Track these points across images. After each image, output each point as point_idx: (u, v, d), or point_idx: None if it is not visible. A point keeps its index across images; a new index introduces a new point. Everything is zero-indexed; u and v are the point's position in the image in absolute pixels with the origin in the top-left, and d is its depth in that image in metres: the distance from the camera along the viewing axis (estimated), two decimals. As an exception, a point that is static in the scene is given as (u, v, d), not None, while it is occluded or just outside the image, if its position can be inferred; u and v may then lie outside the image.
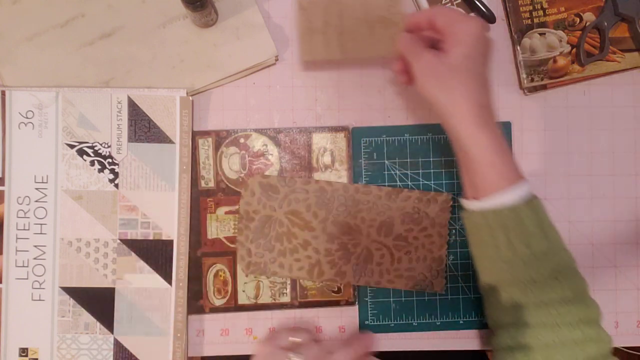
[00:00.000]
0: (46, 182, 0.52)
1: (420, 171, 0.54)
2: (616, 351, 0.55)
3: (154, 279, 0.52)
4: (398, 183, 0.54)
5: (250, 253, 0.52)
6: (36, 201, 0.52)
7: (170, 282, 0.52)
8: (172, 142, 0.52)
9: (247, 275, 0.53)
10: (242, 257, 0.52)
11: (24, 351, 0.52)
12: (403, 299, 0.54)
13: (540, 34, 0.54)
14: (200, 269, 0.53)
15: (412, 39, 0.46)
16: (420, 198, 0.52)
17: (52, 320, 0.52)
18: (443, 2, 0.53)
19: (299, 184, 0.52)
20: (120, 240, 0.52)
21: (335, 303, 0.53)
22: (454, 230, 0.54)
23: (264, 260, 0.52)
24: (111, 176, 0.52)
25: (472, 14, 0.52)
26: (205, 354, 0.54)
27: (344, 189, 0.52)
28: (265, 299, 0.53)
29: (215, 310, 0.53)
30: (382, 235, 0.52)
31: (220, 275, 0.53)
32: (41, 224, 0.52)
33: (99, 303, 0.52)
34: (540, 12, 0.54)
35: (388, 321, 0.54)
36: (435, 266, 0.52)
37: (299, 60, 0.54)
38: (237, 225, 0.52)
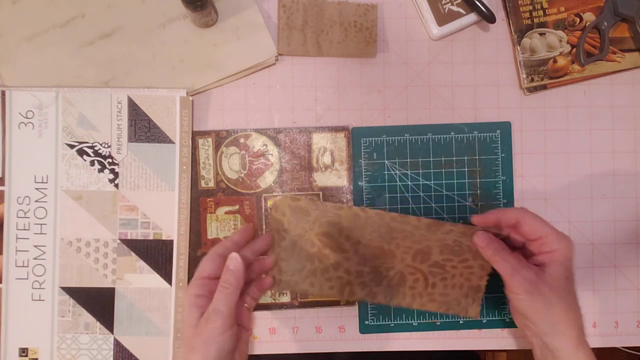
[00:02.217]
0: (46, 182, 0.52)
1: (420, 171, 0.54)
2: (616, 351, 0.55)
3: (154, 279, 0.52)
4: (398, 183, 0.54)
5: (281, 271, 0.49)
6: (36, 201, 0.52)
7: (170, 282, 0.52)
8: (172, 142, 0.52)
9: (277, 294, 0.53)
10: (272, 274, 0.50)
11: (24, 351, 0.52)
12: (403, 299, 0.54)
13: (540, 34, 0.54)
14: (200, 269, 0.53)
15: (498, 245, 0.46)
16: (464, 232, 0.48)
17: (52, 320, 0.52)
18: (443, 2, 0.53)
19: (330, 208, 0.48)
20: (120, 240, 0.52)
21: (336, 303, 0.53)
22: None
23: (295, 278, 0.49)
24: (111, 176, 0.52)
25: (556, 233, 0.47)
26: (205, 354, 0.54)
27: (379, 217, 0.48)
28: (265, 299, 0.53)
29: (215, 310, 0.53)
30: (418, 262, 0.49)
31: (220, 275, 0.53)
32: (41, 224, 0.52)
33: (99, 303, 0.52)
34: (540, 12, 0.54)
35: (388, 321, 0.54)
36: (471, 294, 0.50)
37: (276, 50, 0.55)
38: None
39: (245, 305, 0.49)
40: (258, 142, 0.54)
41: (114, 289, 0.52)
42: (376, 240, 0.49)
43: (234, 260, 0.44)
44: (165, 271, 0.52)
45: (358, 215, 0.48)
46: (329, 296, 0.50)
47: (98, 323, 0.52)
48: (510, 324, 0.54)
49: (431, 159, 0.54)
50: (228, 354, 0.43)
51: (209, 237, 0.53)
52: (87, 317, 0.52)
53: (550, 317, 0.44)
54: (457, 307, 0.50)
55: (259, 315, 0.54)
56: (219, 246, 0.47)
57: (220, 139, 0.53)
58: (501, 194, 0.54)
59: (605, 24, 0.53)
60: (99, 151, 0.52)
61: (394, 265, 0.49)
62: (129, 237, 0.52)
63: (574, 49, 0.54)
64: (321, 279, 0.49)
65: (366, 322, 0.54)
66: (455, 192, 0.54)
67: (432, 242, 0.48)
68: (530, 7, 0.54)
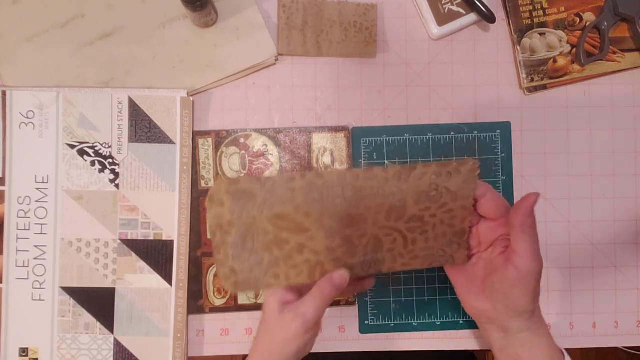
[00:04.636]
0: (47, 182, 0.52)
1: (420, 171, 0.54)
2: (616, 351, 0.55)
3: (154, 279, 0.52)
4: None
5: (235, 272, 0.43)
6: (37, 201, 0.52)
7: (170, 283, 0.52)
8: (173, 143, 0.52)
9: (236, 293, 0.48)
10: (226, 276, 0.43)
11: (24, 351, 0.52)
12: (403, 299, 0.54)
13: (540, 34, 0.54)
14: (200, 269, 0.53)
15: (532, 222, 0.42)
16: (439, 172, 0.42)
17: (52, 320, 0.52)
18: (443, 2, 0.53)
19: (279, 182, 0.41)
20: (121, 240, 0.52)
21: (335, 303, 0.53)
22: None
23: (254, 275, 0.43)
24: (112, 176, 0.52)
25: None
26: (205, 354, 0.54)
27: (339, 178, 0.42)
28: (262, 299, 0.53)
29: (215, 310, 0.53)
30: (392, 220, 0.43)
31: (221, 275, 0.53)
32: (41, 224, 0.52)
33: (99, 303, 0.52)
34: (540, 12, 0.54)
35: (388, 321, 0.54)
36: (455, 239, 0.45)
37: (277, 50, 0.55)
38: (212, 240, 0.43)
39: None
40: (258, 142, 0.54)
41: (114, 289, 0.52)
42: (342, 207, 0.42)
43: (341, 277, 0.42)
44: (165, 271, 0.52)
45: (314, 184, 0.41)
46: (297, 283, 0.44)
47: (98, 323, 0.52)
48: (510, 324, 0.54)
49: (431, 159, 0.54)
50: (302, 352, 0.43)
51: (209, 237, 0.53)
52: (87, 317, 0.52)
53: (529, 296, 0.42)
54: (442, 259, 0.45)
55: (259, 315, 0.54)
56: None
57: (220, 139, 0.53)
58: (501, 194, 0.54)
59: (605, 24, 0.53)
60: (99, 151, 0.52)
61: (366, 231, 0.43)
62: (129, 238, 0.52)
63: (574, 49, 0.54)
64: (285, 268, 0.43)
65: (366, 322, 0.54)
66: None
67: (405, 193, 0.43)
68: (530, 7, 0.54)
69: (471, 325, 0.54)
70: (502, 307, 0.43)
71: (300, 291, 0.44)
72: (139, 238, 0.52)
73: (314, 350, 0.54)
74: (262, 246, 0.43)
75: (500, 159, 0.54)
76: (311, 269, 0.43)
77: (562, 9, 0.54)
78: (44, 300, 0.52)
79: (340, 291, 0.43)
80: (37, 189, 0.52)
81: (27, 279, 0.52)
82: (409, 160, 0.54)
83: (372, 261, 0.44)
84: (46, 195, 0.52)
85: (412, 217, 0.44)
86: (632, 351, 0.56)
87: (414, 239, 0.44)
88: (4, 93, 0.52)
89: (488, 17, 0.52)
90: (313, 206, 0.42)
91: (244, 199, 0.42)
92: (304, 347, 0.43)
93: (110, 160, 0.52)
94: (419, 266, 0.45)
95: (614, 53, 0.54)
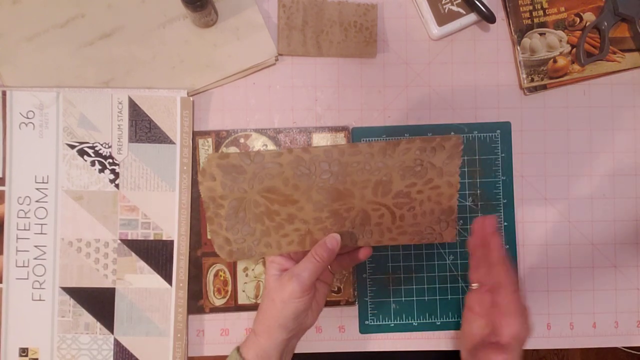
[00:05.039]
0: (47, 182, 0.52)
1: (420, 171, 0.54)
2: (616, 351, 0.56)
3: (154, 280, 0.52)
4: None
5: (229, 241, 0.45)
6: (37, 201, 0.52)
7: (170, 283, 0.52)
8: (173, 143, 0.52)
9: (230, 261, 0.49)
10: (220, 246, 0.46)
11: (24, 351, 0.52)
12: (403, 299, 0.54)
13: (540, 34, 0.54)
14: (200, 269, 0.53)
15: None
16: (423, 148, 0.43)
17: (52, 320, 0.52)
18: (443, 2, 0.53)
19: (268, 157, 0.43)
20: (121, 240, 0.52)
21: (336, 303, 0.53)
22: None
23: (247, 244, 0.45)
24: (112, 176, 0.52)
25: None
26: (205, 354, 0.54)
27: (326, 154, 0.43)
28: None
29: (215, 310, 0.53)
30: (379, 196, 0.45)
31: (220, 275, 0.53)
32: (42, 224, 0.52)
33: (99, 303, 0.52)
34: (540, 12, 0.54)
35: (388, 321, 0.54)
36: (444, 217, 0.46)
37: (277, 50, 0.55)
38: (206, 213, 0.45)
39: (329, 266, 0.48)
40: (258, 142, 0.54)
41: (114, 289, 0.52)
42: (329, 182, 0.44)
43: (334, 240, 0.44)
44: (165, 271, 0.52)
45: (301, 159, 0.43)
46: (288, 251, 0.46)
47: (98, 323, 0.52)
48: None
49: (431, 159, 0.54)
50: (302, 313, 0.44)
51: (209, 237, 0.53)
52: (87, 317, 0.52)
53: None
54: (430, 236, 0.46)
55: (259, 315, 0.54)
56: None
57: (220, 139, 0.53)
58: (501, 194, 0.54)
59: (605, 24, 0.53)
60: (99, 151, 0.52)
61: (354, 205, 0.45)
62: (129, 238, 0.52)
63: (574, 49, 0.54)
64: (276, 237, 0.45)
65: (366, 322, 0.54)
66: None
67: (391, 168, 0.44)
68: (530, 7, 0.54)
69: (471, 325, 0.54)
70: None
71: (298, 261, 0.45)
72: (139, 238, 0.52)
73: (315, 350, 0.54)
74: (254, 217, 0.45)
75: (500, 159, 0.54)
76: (301, 238, 0.45)
77: (562, 9, 0.54)
78: (44, 300, 0.52)
79: (334, 254, 0.44)
80: (37, 189, 0.52)
81: (27, 279, 0.52)
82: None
83: (360, 232, 0.46)
84: (46, 195, 0.52)
85: (399, 193, 0.45)
86: (632, 351, 0.56)
87: (402, 215, 0.45)
88: (4, 93, 0.52)
89: (488, 17, 0.52)
90: (301, 179, 0.44)
91: (234, 173, 0.43)
92: (303, 311, 0.43)
93: (110, 160, 0.52)
94: (408, 242, 0.46)
95: (614, 53, 0.54)
